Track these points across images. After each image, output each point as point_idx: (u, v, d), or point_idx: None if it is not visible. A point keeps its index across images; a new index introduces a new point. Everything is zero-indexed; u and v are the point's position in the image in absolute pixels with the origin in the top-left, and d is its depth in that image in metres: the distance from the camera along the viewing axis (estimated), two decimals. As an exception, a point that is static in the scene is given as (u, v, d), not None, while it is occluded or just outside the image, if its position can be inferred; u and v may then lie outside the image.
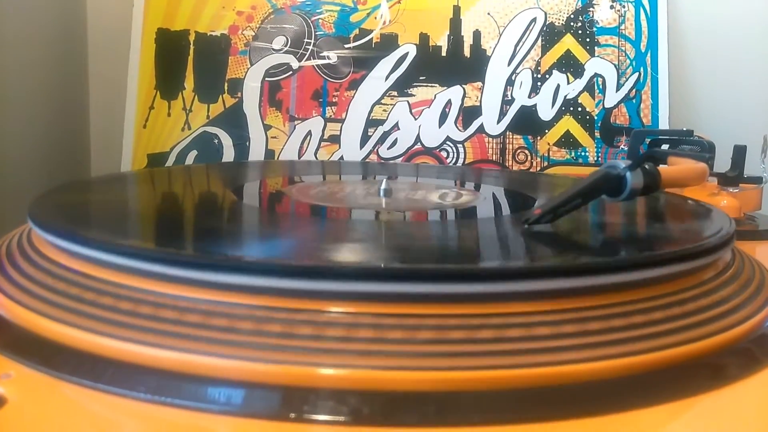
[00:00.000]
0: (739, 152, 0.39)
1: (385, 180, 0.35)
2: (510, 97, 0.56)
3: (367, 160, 0.55)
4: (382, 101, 0.56)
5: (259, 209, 0.33)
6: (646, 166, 0.26)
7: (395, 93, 0.56)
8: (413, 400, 0.16)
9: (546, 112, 0.56)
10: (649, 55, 0.57)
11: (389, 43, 0.57)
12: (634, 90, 0.57)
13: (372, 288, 0.19)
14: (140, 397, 0.17)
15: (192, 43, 0.56)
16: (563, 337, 0.18)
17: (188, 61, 0.56)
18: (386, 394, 0.16)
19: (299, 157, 0.55)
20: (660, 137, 0.44)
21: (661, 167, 0.28)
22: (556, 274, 0.20)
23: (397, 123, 0.56)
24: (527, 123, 0.56)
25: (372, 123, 0.56)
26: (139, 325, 0.19)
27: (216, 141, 0.55)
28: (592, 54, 0.57)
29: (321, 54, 0.56)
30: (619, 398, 0.17)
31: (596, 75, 0.56)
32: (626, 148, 0.54)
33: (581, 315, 0.19)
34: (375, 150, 0.56)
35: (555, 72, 0.56)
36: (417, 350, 0.18)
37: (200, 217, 0.30)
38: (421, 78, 0.56)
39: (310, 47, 0.56)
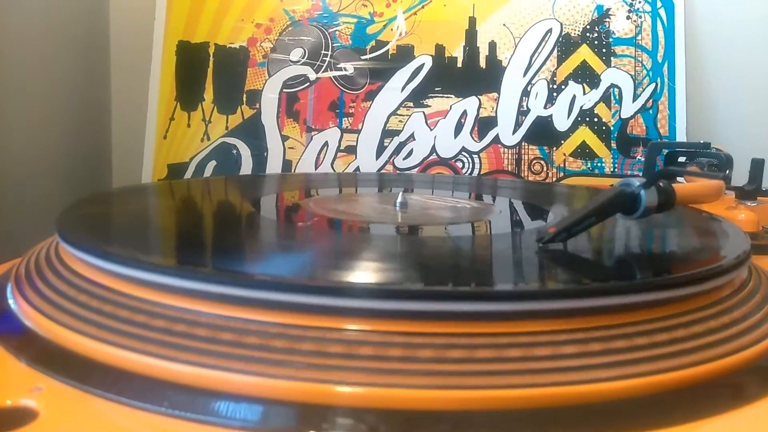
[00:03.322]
0: (757, 166, 0.39)
1: (401, 193, 0.36)
2: (525, 108, 0.56)
3: (383, 170, 0.56)
4: (398, 112, 0.56)
5: (281, 224, 0.34)
6: (661, 184, 0.26)
7: (411, 104, 0.56)
8: (431, 419, 0.17)
9: (562, 123, 0.56)
10: (666, 65, 0.57)
11: (405, 54, 0.57)
12: (650, 100, 0.56)
13: (392, 306, 0.19)
14: (163, 411, 0.17)
15: (211, 55, 0.57)
16: (585, 357, 0.19)
17: (208, 73, 0.57)
18: (404, 412, 0.17)
19: (316, 168, 0.56)
20: (677, 150, 0.44)
21: (676, 184, 0.28)
22: (577, 295, 0.20)
23: (412, 134, 0.56)
24: (543, 133, 0.56)
25: (388, 134, 0.56)
26: (162, 340, 0.19)
27: (234, 151, 0.56)
28: (608, 64, 0.57)
29: (338, 65, 0.57)
30: (639, 418, 0.18)
31: (612, 85, 0.57)
32: (643, 159, 0.54)
33: (601, 334, 0.20)
34: (391, 160, 0.56)
35: (571, 82, 0.57)
36: (435, 369, 0.18)
37: (224, 233, 0.31)
38: (436, 89, 0.57)
39: (327, 59, 0.57)
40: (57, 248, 0.26)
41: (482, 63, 0.57)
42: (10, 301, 0.24)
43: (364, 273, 0.23)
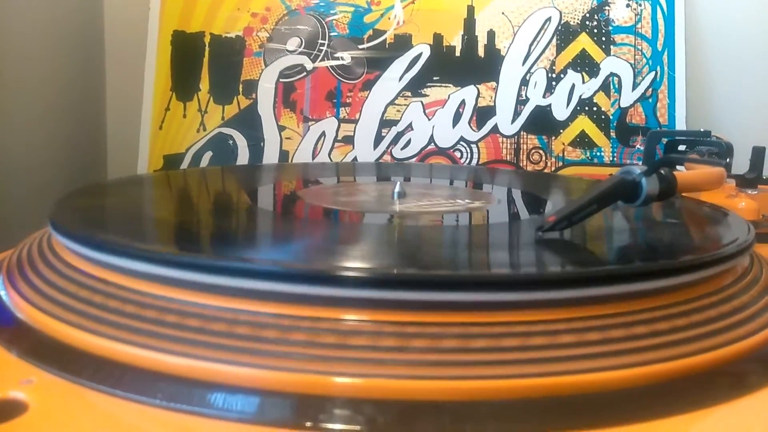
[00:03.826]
0: (758, 154, 0.38)
1: (398, 183, 0.35)
2: (524, 97, 0.56)
3: (380, 160, 0.55)
4: (396, 102, 0.56)
5: (277, 214, 0.33)
6: (662, 172, 0.26)
7: (409, 93, 0.56)
8: (429, 410, 0.16)
9: (561, 112, 0.56)
10: (665, 53, 0.56)
11: (403, 43, 0.57)
12: (650, 89, 0.56)
13: (389, 296, 0.19)
14: (157, 403, 0.17)
15: (207, 44, 0.56)
16: (583, 346, 0.18)
17: (203, 63, 0.56)
18: (402, 402, 0.17)
19: (313, 158, 0.55)
20: (677, 138, 0.43)
21: (677, 172, 0.27)
22: (576, 283, 0.20)
23: (410, 123, 0.56)
24: (542, 123, 0.56)
25: (386, 123, 0.56)
26: (156, 331, 0.19)
27: (231, 142, 0.55)
28: (607, 53, 0.56)
29: (335, 55, 0.56)
30: (639, 408, 0.17)
31: (612, 74, 0.56)
32: (642, 148, 0.54)
33: (600, 323, 0.19)
34: (388, 150, 0.56)
35: (570, 71, 0.56)
36: (433, 359, 0.18)
37: (218, 223, 0.30)
38: (434, 78, 0.56)
39: (324, 48, 0.57)
40: (50, 239, 0.26)
41: (481, 52, 0.57)
42: (2, 293, 0.23)
43: (361, 262, 0.23)
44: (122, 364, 0.18)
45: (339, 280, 0.19)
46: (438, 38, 0.57)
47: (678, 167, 0.36)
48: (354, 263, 0.22)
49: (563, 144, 0.56)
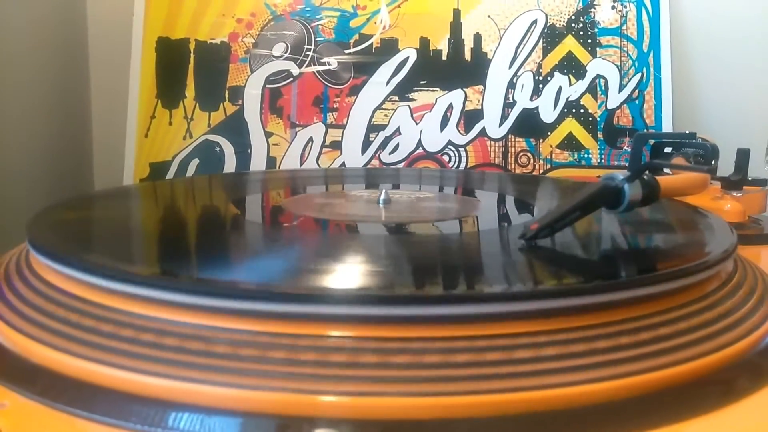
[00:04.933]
0: (743, 156, 0.38)
1: (384, 190, 0.35)
2: (512, 100, 0.56)
3: (369, 165, 0.55)
4: (383, 106, 0.56)
5: (262, 226, 0.33)
6: (645, 177, 0.26)
7: (396, 98, 0.56)
8: (412, 428, 0.16)
9: (548, 115, 0.56)
10: (651, 55, 0.57)
11: (389, 47, 0.56)
12: (636, 91, 0.56)
13: (368, 312, 0.19)
14: (135, 428, 0.17)
15: (192, 51, 0.56)
16: (567, 359, 0.18)
17: (189, 70, 0.56)
18: (383, 422, 0.16)
19: (301, 164, 0.55)
20: (663, 140, 0.43)
21: (661, 177, 0.27)
22: (557, 295, 0.20)
23: (398, 128, 0.55)
24: (529, 126, 0.56)
25: (373, 128, 0.56)
26: (135, 352, 0.18)
27: (218, 149, 0.55)
28: (594, 55, 0.56)
29: (321, 60, 0.56)
30: (627, 420, 0.17)
31: (598, 76, 0.56)
32: (629, 150, 0.54)
33: (583, 335, 0.19)
34: (376, 155, 0.55)
35: (557, 74, 0.56)
36: (416, 375, 0.17)
37: (202, 238, 0.30)
38: (422, 82, 0.56)
39: (311, 53, 0.56)
40: (27, 256, 0.25)
41: (467, 55, 0.56)
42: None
43: (341, 278, 0.22)
44: (99, 386, 0.18)
45: (319, 299, 0.19)
46: (424, 42, 0.56)
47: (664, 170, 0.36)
48: (334, 281, 0.22)
49: (551, 146, 0.56)
